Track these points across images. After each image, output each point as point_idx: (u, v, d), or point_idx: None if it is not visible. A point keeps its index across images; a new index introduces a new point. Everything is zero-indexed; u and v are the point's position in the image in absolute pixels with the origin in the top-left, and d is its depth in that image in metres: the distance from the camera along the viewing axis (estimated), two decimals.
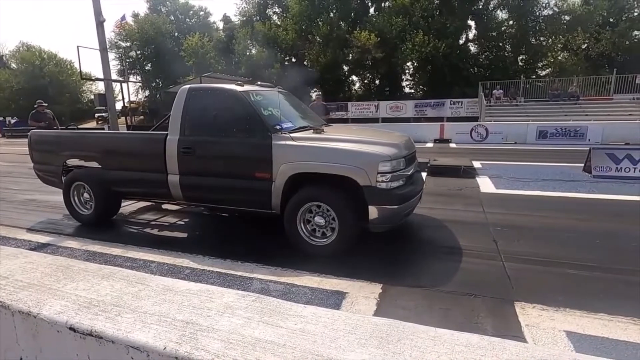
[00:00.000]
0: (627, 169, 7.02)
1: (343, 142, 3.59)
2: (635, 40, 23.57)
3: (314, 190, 3.56)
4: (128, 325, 1.16)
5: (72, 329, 1.17)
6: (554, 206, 5.33)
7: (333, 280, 3.09)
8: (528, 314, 2.54)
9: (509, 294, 2.82)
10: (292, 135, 3.71)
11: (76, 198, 4.77)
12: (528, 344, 2.11)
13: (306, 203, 3.55)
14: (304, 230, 3.63)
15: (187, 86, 4.19)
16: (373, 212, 3.33)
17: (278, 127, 3.78)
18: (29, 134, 5.21)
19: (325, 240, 3.56)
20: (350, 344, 1.06)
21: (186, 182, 4.06)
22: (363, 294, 2.86)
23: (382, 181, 3.29)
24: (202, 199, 4.24)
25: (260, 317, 1.22)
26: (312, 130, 3.95)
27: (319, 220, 3.53)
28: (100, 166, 4.58)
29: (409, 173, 3.72)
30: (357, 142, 3.60)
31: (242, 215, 4.90)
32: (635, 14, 23.54)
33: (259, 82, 4.80)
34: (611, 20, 23.95)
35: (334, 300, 2.79)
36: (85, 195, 4.70)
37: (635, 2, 23.38)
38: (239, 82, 4.27)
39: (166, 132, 4.16)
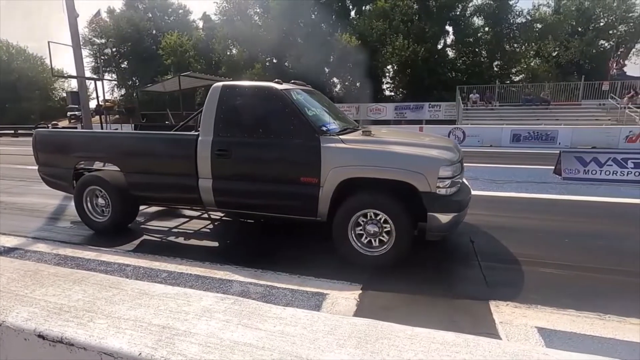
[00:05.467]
0: (594, 171, 7.37)
1: (399, 145, 3.37)
2: (601, 49, 24.84)
3: (369, 197, 3.30)
4: (101, 331, 1.13)
5: (40, 336, 1.13)
6: (527, 207, 5.54)
7: (313, 282, 3.10)
8: (502, 312, 2.62)
9: (484, 293, 2.91)
10: (341, 137, 3.49)
11: (89, 204, 4.41)
12: (501, 340, 2.18)
13: (360, 210, 3.29)
14: (356, 240, 3.37)
15: (220, 84, 3.88)
16: (432, 219, 3.13)
17: (324, 128, 3.58)
18: (33, 132, 4.85)
19: (380, 250, 3.32)
20: (329, 344, 1.07)
21: (220, 186, 3.74)
22: (343, 295, 2.88)
23: (442, 187, 3.10)
24: (237, 204, 3.88)
25: (239, 319, 1.21)
26: (360, 132, 3.75)
27: (372, 228, 3.28)
28: (119, 169, 4.24)
29: (462, 179, 3.55)
30: (413, 145, 3.40)
31: (267, 221, 4.66)
32: (602, 24, 24.83)
33: (292, 81, 4.48)
34: (580, 29, 25.16)
35: (315, 301, 2.79)
36: (100, 200, 4.34)
37: (601, 13, 24.64)
38: (277, 80, 3.97)
39: (196, 133, 3.87)
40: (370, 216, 3.29)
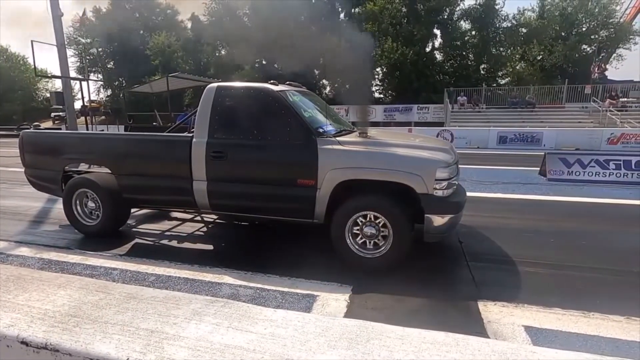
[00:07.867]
0: (578, 172, 7.55)
1: (395, 147, 3.38)
2: (584, 53, 25.49)
3: (366, 199, 3.28)
4: (87, 337, 1.10)
5: (24, 342, 1.10)
6: (513, 208, 5.64)
7: (304, 284, 3.09)
8: (490, 311, 2.66)
9: (472, 293, 2.94)
10: (338, 139, 3.48)
11: (79, 207, 4.29)
12: (489, 339, 2.21)
13: (358, 212, 3.26)
14: (353, 242, 3.34)
15: (215, 84, 3.85)
16: (430, 221, 3.14)
17: (321, 130, 3.55)
18: (20, 133, 4.70)
19: (377, 251, 3.29)
20: (320, 346, 1.07)
21: (215, 189, 3.70)
22: (334, 297, 2.88)
23: (439, 188, 3.11)
24: (233, 207, 3.84)
25: (229, 322, 1.20)
26: (357, 134, 3.74)
27: (369, 230, 3.26)
28: (110, 172, 4.15)
29: (458, 181, 3.57)
30: (410, 147, 3.42)
31: (262, 223, 4.64)
32: (584, 29, 25.47)
33: (288, 82, 4.41)
34: (563, 34, 25.75)
35: (305, 303, 2.78)
36: (90, 204, 4.22)
37: (584, 19, 25.30)
38: (272, 81, 3.93)
39: (190, 135, 3.81)
40: (370, 218, 3.27)
